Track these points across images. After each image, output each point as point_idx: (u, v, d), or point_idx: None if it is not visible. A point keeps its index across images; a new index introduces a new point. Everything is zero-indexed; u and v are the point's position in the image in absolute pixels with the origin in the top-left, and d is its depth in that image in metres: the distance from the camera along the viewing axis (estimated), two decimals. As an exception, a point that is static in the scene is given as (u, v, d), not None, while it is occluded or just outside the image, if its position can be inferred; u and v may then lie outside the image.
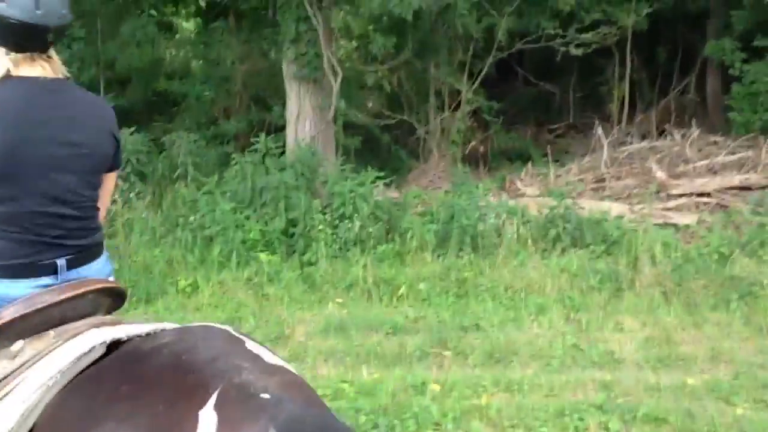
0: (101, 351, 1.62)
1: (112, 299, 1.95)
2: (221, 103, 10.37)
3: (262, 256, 6.56)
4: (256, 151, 7.75)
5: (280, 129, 9.33)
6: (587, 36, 9.73)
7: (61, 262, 1.84)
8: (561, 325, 5.41)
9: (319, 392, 1.75)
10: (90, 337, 1.66)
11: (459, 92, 10.15)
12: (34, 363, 1.65)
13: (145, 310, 5.83)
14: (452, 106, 10.21)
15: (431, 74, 10.09)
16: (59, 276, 1.84)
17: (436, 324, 5.47)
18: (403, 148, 10.05)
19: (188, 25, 14.98)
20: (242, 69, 10.19)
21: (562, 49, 9.83)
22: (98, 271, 1.96)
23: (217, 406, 1.33)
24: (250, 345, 1.57)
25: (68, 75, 1.94)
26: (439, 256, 6.59)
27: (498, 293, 5.98)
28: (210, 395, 1.35)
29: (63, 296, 1.77)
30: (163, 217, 7.28)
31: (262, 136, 7.86)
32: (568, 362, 4.76)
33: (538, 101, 13.38)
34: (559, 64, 11.07)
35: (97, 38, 9.43)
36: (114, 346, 1.64)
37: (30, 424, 1.52)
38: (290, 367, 1.57)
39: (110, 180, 2.09)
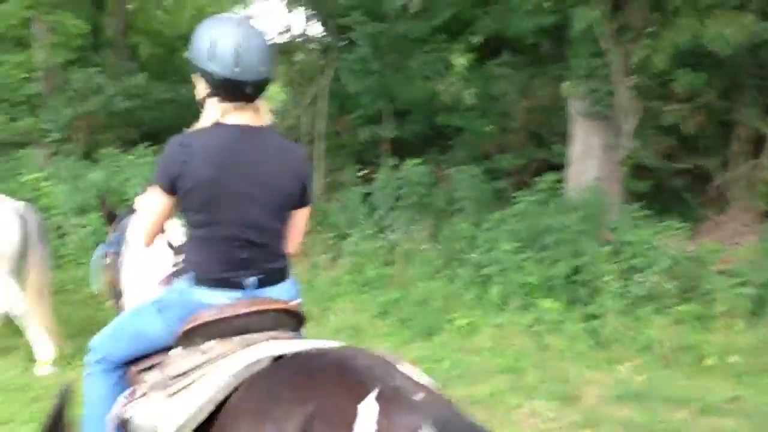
0: (268, 362, 1.91)
1: (292, 319, 2.24)
2: (497, 138, 10.21)
3: (543, 302, 6.14)
4: (539, 190, 7.39)
5: (557, 167, 8.87)
6: None
7: (250, 280, 2.17)
8: None
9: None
10: (265, 349, 1.96)
11: (764, 137, 8.87)
12: (217, 361, 2.00)
13: (421, 345, 5.72)
14: (757, 153, 8.94)
15: (735, 116, 8.95)
16: (248, 292, 2.16)
17: (755, 409, 4.60)
18: (696, 195, 9.02)
19: (460, 60, 15.24)
20: (522, 104, 9.94)
21: None
22: (283, 292, 2.25)
23: (378, 400, 1.56)
24: (403, 367, 1.78)
25: (270, 123, 2.25)
26: (754, 325, 5.63)
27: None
28: (369, 392, 1.58)
29: (249, 309, 2.11)
30: (441, 251, 7.19)
31: (548, 174, 7.46)
32: None
33: None
34: None
35: (386, 72, 9.79)
36: (290, 356, 1.91)
37: (206, 413, 1.87)
38: (435, 387, 1.76)
39: (300, 216, 2.37)
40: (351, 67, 9.53)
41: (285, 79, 18.05)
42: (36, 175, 8.37)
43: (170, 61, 15.14)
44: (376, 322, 6.23)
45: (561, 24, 8.34)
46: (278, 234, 2.26)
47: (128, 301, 2.78)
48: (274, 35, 12.71)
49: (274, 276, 2.24)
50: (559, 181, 7.96)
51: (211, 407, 1.88)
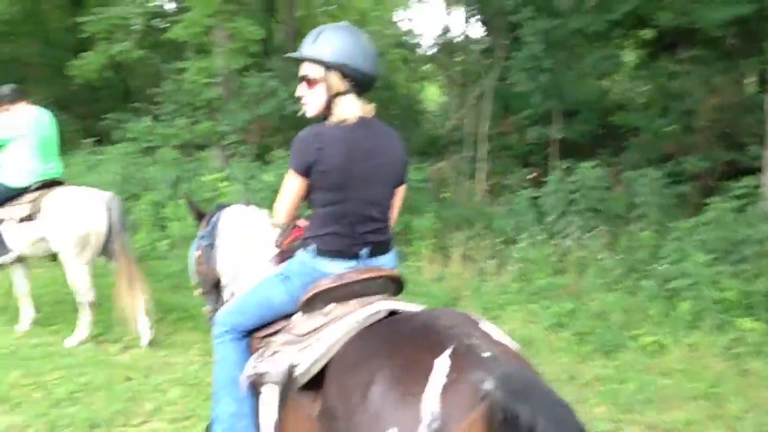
0: (383, 315, 2.28)
1: (396, 285, 2.57)
2: (678, 139, 9.41)
3: (743, 322, 5.49)
4: (734, 196, 6.66)
5: (748, 171, 7.99)
6: None
7: (364, 251, 2.49)
8: None
9: None
10: (378, 306, 2.32)
11: None
12: (338, 320, 2.30)
13: (602, 363, 5.29)
14: None
15: None
16: (361, 261, 2.49)
17: None
18: None
19: (631, 56, 14.35)
20: (708, 103, 9.09)
21: None
22: (389, 261, 2.59)
23: (451, 357, 1.81)
24: (484, 325, 2.04)
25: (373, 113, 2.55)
26: None
27: None
28: (445, 349, 1.84)
29: (363, 276, 2.44)
30: (620, 261, 6.68)
31: (745, 179, 6.71)
32: None
33: None
34: None
35: (557, 70, 9.34)
36: (394, 313, 2.30)
37: (329, 356, 2.20)
38: (514, 345, 2.00)
39: (400, 193, 2.69)
40: (521, 65, 9.15)
41: (445, 80, 18.03)
42: (215, 175, 8.79)
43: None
44: (549, 335, 5.87)
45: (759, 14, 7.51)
46: (387, 209, 2.60)
47: (234, 284, 3.07)
48: (434, 37, 12.63)
49: (383, 247, 2.58)
50: (757, 186, 7.15)
51: (335, 350, 2.22)
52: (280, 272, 2.60)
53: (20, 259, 5.37)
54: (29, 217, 5.08)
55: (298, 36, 15.38)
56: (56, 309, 6.00)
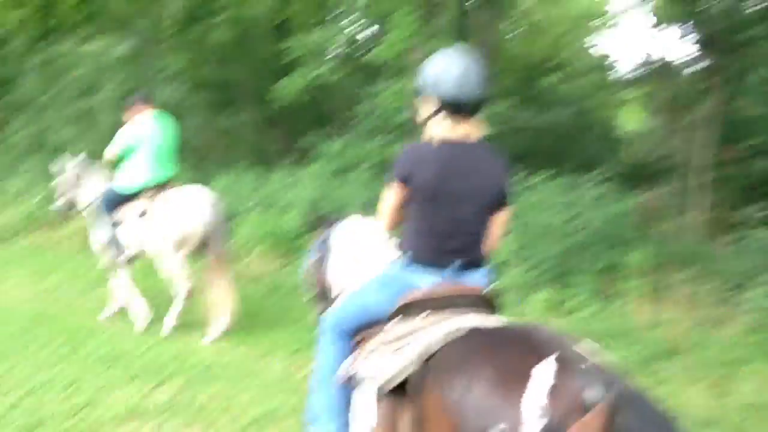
0: (475, 327, 2.32)
1: (485, 302, 2.64)
2: None
3: None
4: None
5: None
6: None
7: (453, 263, 2.64)
8: None
9: None
10: (466, 319, 2.40)
11: None
12: (432, 326, 2.42)
13: None
14: None
15: None
16: (451, 273, 2.64)
17: None
18: None
19: None
20: None
21: None
22: (478, 279, 2.70)
23: (556, 362, 1.89)
24: (578, 346, 2.05)
25: (481, 136, 2.67)
26: None
27: None
28: (547, 355, 1.92)
29: (453, 291, 2.59)
30: None
31: None
32: None
33: None
34: None
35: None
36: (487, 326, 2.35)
37: (419, 363, 2.30)
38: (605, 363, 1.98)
39: (501, 216, 2.76)
40: (755, 89, 7.99)
41: (650, 105, 16.76)
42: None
43: (531, 88, 14.93)
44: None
45: None
46: (482, 229, 2.69)
47: (339, 292, 3.19)
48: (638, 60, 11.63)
49: (474, 263, 2.67)
50: None
51: (423, 358, 2.29)
52: (380, 277, 2.77)
53: (134, 258, 5.83)
54: (141, 217, 5.57)
55: (491, 59, 15.01)
56: (251, 324, 5.99)
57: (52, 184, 6.54)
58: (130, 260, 5.83)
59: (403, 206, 2.70)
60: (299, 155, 12.54)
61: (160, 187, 5.67)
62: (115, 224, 5.68)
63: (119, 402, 4.21)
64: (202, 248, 5.61)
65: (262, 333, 5.78)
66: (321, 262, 3.41)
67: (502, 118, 10.46)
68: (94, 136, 9.94)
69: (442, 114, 2.62)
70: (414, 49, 10.07)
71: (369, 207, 8.82)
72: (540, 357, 1.92)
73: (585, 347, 2.05)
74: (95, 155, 6.39)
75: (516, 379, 1.89)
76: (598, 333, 5.85)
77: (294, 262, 7.89)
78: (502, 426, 1.84)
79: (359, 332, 2.74)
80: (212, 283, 5.63)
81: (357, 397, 2.61)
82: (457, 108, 2.59)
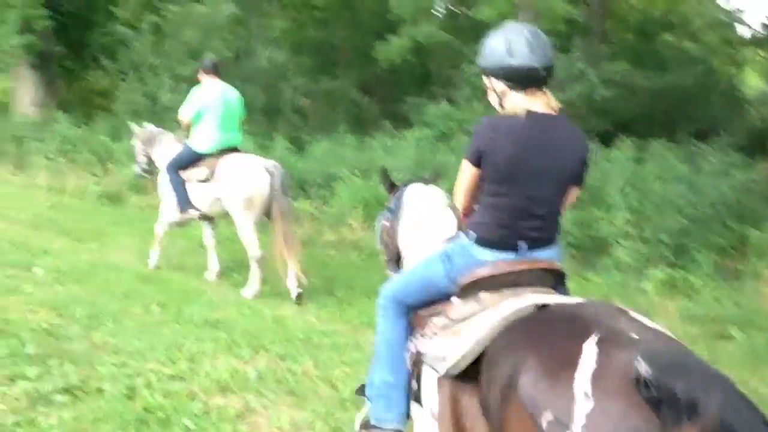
0: (531, 310, 2.25)
1: (554, 276, 2.58)
2: None
3: None
4: None
5: None
6: None
7: (522, 243, 2.52)
8: None
9: None
10: (528, 299, 2.32)
11: None
12: (489, 307, 2.36)
13: None
14: None
15: None
16: (519, 253, 2.52)
17: None
18: None
19: None
20: None
21: None
22: (549, 255, 2.58)
23: (599, 342, 1.82)
24: (633, 314, 2.02)
25: (558, 107, 2.55)
26: None
27: None
28: (592, 334, 1.85)
29: (517, 268, 2.50)
30: None
31: None
32: None
33: None
34: None
35: None
36: (543, 307, 2.27)
37: (481, 346, 2.24)
38: (668, 332, 1.93)
39: (573, 193, 2.64)
40: None
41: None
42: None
43: (646, 47, 13.95)
44: None
45: None
46: (556, 206, 2.57)
47: (407, 259, 3.16)
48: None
49: (544, 242, 2.55)
50: None
51: (486, 342, 2.23)
52: (442, 252, 2.67)
53: (205, 217, 6.23)
54: (206, 180, 5.89)
55: (606, 17, 14.11)
56: (350, 294, 5.90)
57: (130, 150, 6.85)
58: (202, 218, 6.24)
59: (479, 185, 2.61)
60: (400, 119, 12.35)
61: (224, 152, 5.98)
62: (183, 183, 6.04)
63: (218, 369, 4.19)
64: (267, 213, 5.87)
65: (361, 303, 5.66)
66: (393, 225, 3.37)
67: (615, 80, 9.78)
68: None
69: (517, 88, 2.52)
70: (521, 7, 9.55)
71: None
72: (586, 336, 1.86)
73: (639, 316, 1.99)
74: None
75: (560, 366, 1.84)
76: (722, 318, 5.37)
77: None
78: (549, 415, 1.79)
79: (424, 308, 2.69)
80: (278, 249, 5.80)
81: (424, 379, 2.57)
82: (529, 80, 2.49)
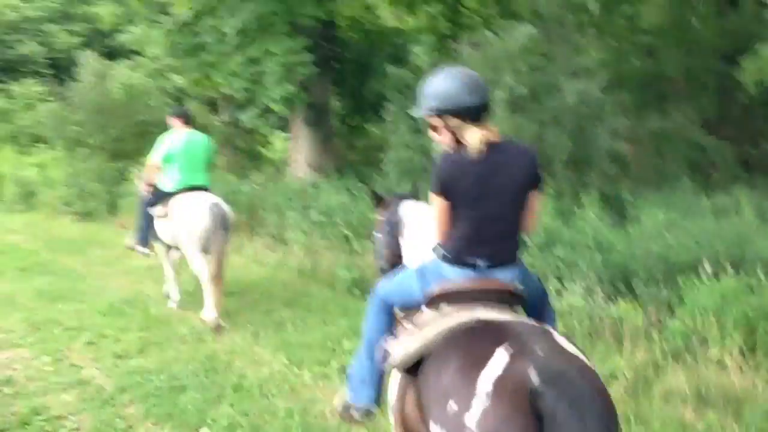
0: (473, 323, 2.52)
1: (512, 297, 2.80)
2: None
3: None
4: None
5: None
6: None
7: (480, 262, 2.77)
8: None
9: None
10: (475, 313, 2.60)
11: None
12: (445, 317, 2.63)
13: None
14: None
15: None
16: (477, 271, 2.78)
17: None
18: None
19: None
20: None
21: None
22: (509, 274, 2.81)
23: (510, 352, 2.12)
24: (557, 337, 2.31)
25: (500, 137, 2.79)
26: None
27: None
28: (504, 343, 2.17)
29: (475, 285, 2.76)
30: None
31: None
32: None
33: None
34: None
35: None
36: (484, 320, 2.53)
37: (425, 348, 2.53)
38: (585, 359, 2.20)
39: (534, 200, 2.86)
40: None
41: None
42: None
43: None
44: None
45: None
46: (515, 225, 2.81)
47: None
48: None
49: (503, 260, 2.79)
50: None
51: (430, 345, 2.53)
52: (419, 268, 2.94)
53: (172, 247, 6.76)
54: (165, 215, 6.46)
55: None
56: None
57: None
58: (168, 249, 6.81)
59: (451, 214, 2.82)
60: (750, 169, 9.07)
61: (185, 191, 6.47)
62: (151, 219, 6.65)
63: None
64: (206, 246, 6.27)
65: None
66: (392, 239, 3.56)
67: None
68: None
69: (466, 124, 2.76)
70: None
71: None
72: (499, 344, 2.17)
73: (560, 339, 2.27)
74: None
75: (473, 365, 2.16)
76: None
77: None
78: (452, 403, 2.13)
79: (403, 311, 3.00)
80: (209, 277, 6.18)
81: (392, 375, 2.84)
82: (478, 113, 2.74)
